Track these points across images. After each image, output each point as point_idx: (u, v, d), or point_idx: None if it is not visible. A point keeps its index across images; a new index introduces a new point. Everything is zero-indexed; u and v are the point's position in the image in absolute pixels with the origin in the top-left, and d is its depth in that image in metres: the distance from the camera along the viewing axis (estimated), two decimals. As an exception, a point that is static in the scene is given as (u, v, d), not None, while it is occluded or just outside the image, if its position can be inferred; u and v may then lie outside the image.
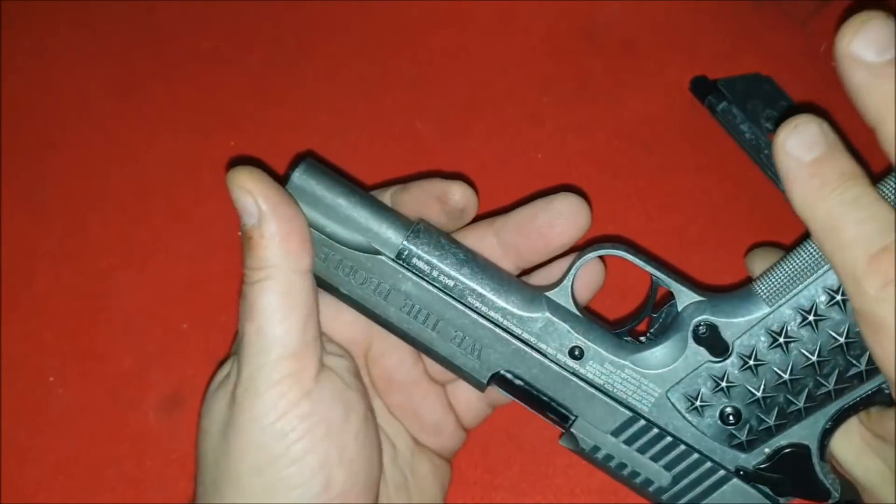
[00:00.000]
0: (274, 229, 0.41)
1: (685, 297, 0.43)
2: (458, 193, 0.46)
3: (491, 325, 0.43)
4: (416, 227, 0.44)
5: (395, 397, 0.50)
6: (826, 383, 0.40)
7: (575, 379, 0.42)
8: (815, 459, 0.41)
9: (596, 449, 0.43)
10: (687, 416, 0.42)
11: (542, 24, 0.72)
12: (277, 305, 0.41)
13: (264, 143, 0.68)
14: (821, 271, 0.39)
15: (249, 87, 0.70)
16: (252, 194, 0.41)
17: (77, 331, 0.62)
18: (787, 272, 0.40)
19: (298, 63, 0.71)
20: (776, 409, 0.41)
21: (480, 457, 0.58)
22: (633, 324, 0.44)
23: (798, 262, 0.40)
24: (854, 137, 0.65)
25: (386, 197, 0.48)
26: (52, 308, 0.63)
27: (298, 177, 0.44)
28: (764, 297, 0.41)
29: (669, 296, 0.43)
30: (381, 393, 0.50)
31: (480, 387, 0.45)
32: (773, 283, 0.41)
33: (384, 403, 0.50)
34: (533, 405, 0.44)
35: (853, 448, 0.44)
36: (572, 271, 0.45)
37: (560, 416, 0.43)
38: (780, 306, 0.40)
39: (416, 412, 0.50)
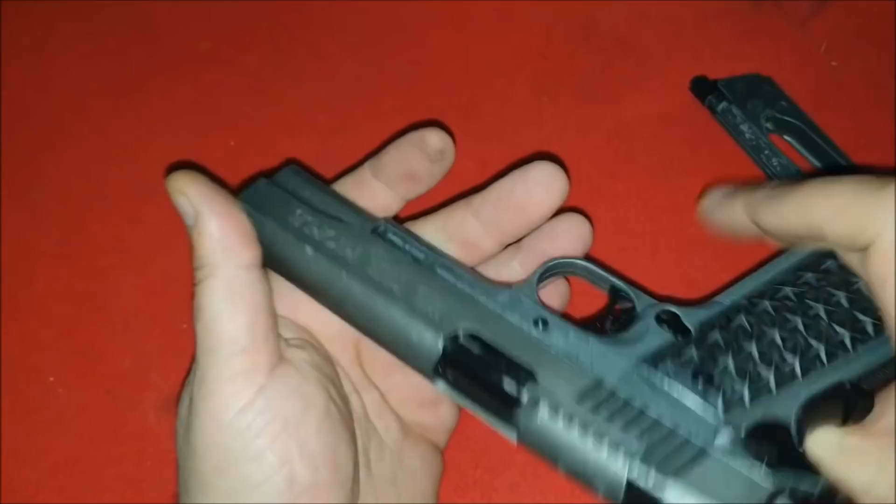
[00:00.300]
0: (210, 227, 0.42)
1: (644, 301, 0.43)
2: (434, 137, 0.47)
3: (456, 290, 0.43)
4: (379, 228, 0.45)
5: (396, 377, 0.49)
6: (790, 361, 0.40)
7: (539, 343, 0.41)
8: (794, 438, 0.39)
9: (554, 415, 0.40)
10: (654, 389, 0.40)
11: (542, 24, 0.72)
12: (222, 303, 0.41)
13: (263, 143, 0.68)
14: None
15: (248, 87, 0.70)
16: (187, 195, 0.42)
17: (77, 331, 0.62)
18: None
19: (297, 63, 0.71)
20: (747, 379, 0.40)
21: (480, 457, 0.58)
22: (596, 321, 0.44)
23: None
24: (853, 139, 0.65)
25: (365, 172, 0.49)
26: (52, 308, 0.63)
27: (253, 190, 0.46)
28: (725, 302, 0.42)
29: (631, 308, 0.44)
30: (379, 379, 0.49)
31: (433, 356, 0.42)
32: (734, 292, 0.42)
33: (381, 392, 0.50)
34: (487, 380, 0.41)
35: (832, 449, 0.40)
36: (538, 270, 0.45)
37: (516, 384, 0.41)
38: (739, 297, 0.42)
39: (416, 390, 0.49)
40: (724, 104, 0.65)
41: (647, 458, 0.38)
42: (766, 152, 0.63)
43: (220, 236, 0.42)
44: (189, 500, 0.43)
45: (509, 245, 0.50)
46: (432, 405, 0.51)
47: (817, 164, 0.63)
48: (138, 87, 0.70)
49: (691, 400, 0.40)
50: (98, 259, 0.64)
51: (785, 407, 0.40)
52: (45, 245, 0.65)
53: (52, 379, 0.61)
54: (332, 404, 0.45)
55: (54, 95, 0.70)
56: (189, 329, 0.64)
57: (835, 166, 0.63)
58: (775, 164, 0.63)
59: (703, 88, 0.66)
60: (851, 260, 0.42)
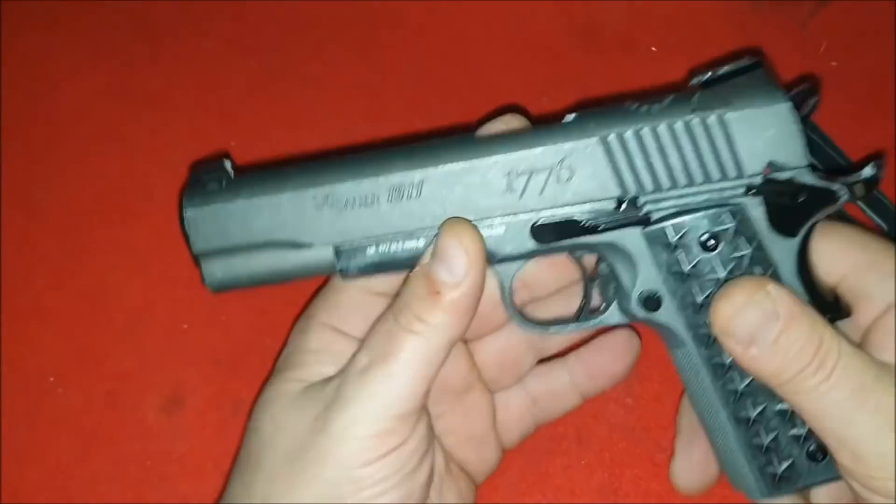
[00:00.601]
0: (463, 302, 0.41)
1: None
2: None
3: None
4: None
5: (442, 406, 0.49)
6: None
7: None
8: None
9: None
10: None
11: (542, 24, 0.72)
12: (419, 366, 0.42)
13: (264, 143, 0.68)
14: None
15: (249, 87, 0.70)
16: (468, 259, 0.41)
17: (77, 331, 0.62)
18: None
19: (298, 63, 0.71)
20: None
21: (480, 457, 0.58)
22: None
23: None
24: (853, 139, 0.65)
25: None
26: (52, 308, 0.63)
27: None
28: None
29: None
30: (429, 405, 0.48)
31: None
32: None
33: (431, 416, 0.49)
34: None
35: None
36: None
37: None
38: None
39: (463, 422, 0.50)
40: (724, 104, 0.65)
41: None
42: (766, 152, 0.63)
43: (463, 314, 0.42)
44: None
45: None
46: (479, 442, 0.51)
47: (817, 163, 0.63)
48: (138, 87, 0.70)
49: None
50: (98, 259, 0.64)
51: None
52: (45, 245, 0.65)
53: (52, 379, 0.61)
54: (431, 466, 0.46)
55: (56, 96, 0.70)
56: (189, 329, 0.64)
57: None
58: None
59: (703, 88, 0.66)
60: None
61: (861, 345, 0.43)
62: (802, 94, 0.42)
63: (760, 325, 0.40)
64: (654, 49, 0.70)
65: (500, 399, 0.52)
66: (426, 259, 0.43)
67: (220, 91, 0.70)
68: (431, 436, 0.46)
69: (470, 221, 0.42)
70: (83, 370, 0.61)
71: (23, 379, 0.61)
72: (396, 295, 0.44)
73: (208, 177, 0.45)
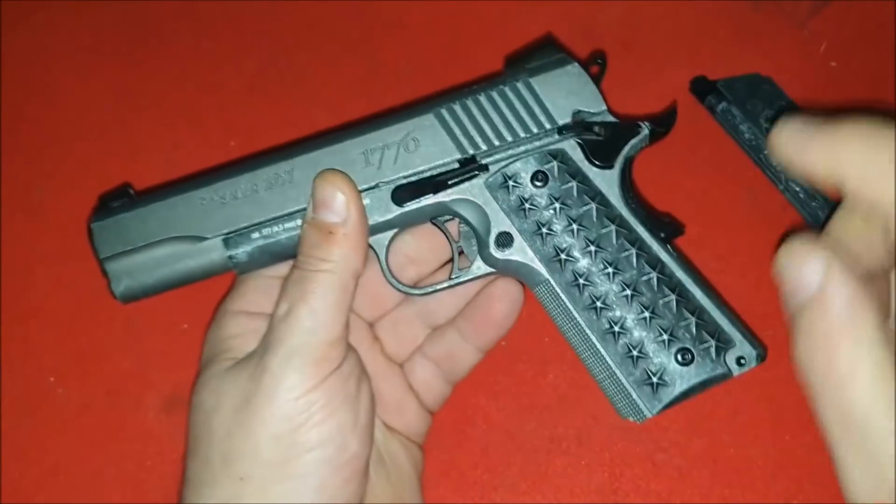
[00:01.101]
0: (354, 234, 0.47)
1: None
2: None
3: None
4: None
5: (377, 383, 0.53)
6: None
7: None
8: None
9: None
10: None
11: (542, 25, 0.72)
12: (333, 297, 0.46)
13: (264, 143, 0.68)
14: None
15: (249, 87, 0.70)
16: (345, 196, 0.47)
17: (77, 331, 0.62)
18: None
19: (298, 63, 0.71)
20: None
21: (480, 457, 0.58)
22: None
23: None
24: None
25: None
26: (52, 308, 0.63)
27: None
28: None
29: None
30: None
31: None
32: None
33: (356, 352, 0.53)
34: None
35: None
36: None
37: None
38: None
39: (378, 392, 0.52)
40: (723, 104, 0.65)
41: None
42: (766, 152, 0.63)
43: (357, 245, 0.47)
44: (232, 471, 0.45)
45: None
46: (397, 410, 0.55)
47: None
48: (138, 87, 0.70)
49: None
50: (98, 259, 0.64)
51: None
52: (45, 245, 0.65)
53: (52, 379, 0.61)
54: (371, 389, 0.50)
55: (56, 96, 0.70)
56: (189, 329, 0.64)
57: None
58: (775, 164, 0.63)
59: (702, 88, 0.66)
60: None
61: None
62: (593, 64, 0.52)
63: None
64: (653, 49, 0.70)
65: (409, 368, 0.56)
66: (310, 214, 0.48)
67: (220, 91, 0.70)
68: (362, 365, 0.50)
69: (335, 169, 0.49)
70: (83, 370, 0.61)
71: (23, 379, 0.61)
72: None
73: (112, 199, 0.52)
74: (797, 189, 0.62)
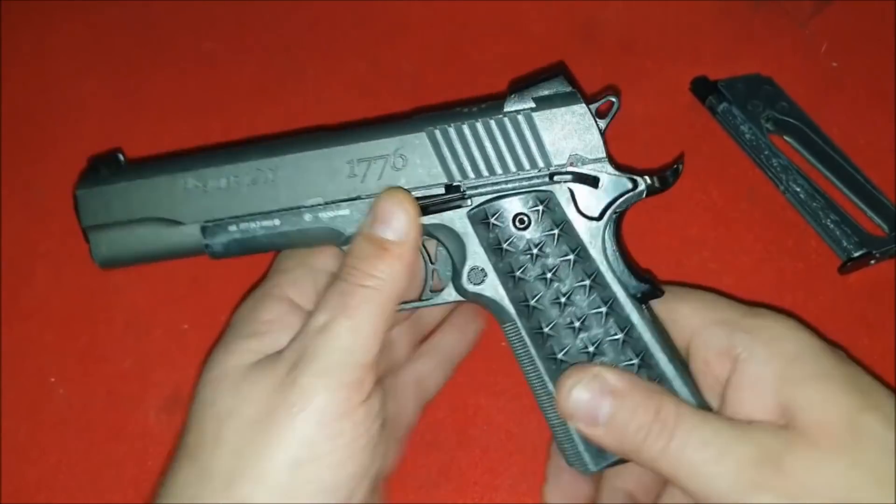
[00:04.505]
0: (407, 257, 0.46)
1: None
2: None
3: None
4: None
5: None
6: None
7: None
8: None
9: None
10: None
11: (543, 25, 0.72)
12: (376, 316, 0.44)
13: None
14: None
15: (249, 87, 0.70)
16: (408, 218, 0.46)
17: (77, 331, 0.62)
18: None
19: (298, 62, 0.71)
20: None
21: (480, 457, 0.58)
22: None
23: None
24: (853, 139, 0.65)
25: None
26: (53, 308, 0.63)
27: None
28: None
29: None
30: None
31: None
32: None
33: None
34: None
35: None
36: None
37: None
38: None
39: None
40: (724, 105, 0.65)
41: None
42: (766, 152, 0.63)
43: (408, 268, 0.46)
44: (235, 492, 0.41)
45: None
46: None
47: (817, 164, 0.63)
48: (139, 87, 0.70)
49: None
50: (98, 259, 0.64)
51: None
52: (45, 245, 0.65)
53: (53, 379, 0.61)
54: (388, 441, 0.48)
55: (56, 96, 0.70)
56: (189, 329, 0.64)
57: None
58: (775, 164, 0.63)
59: (703, 89, 0.66)
60: None
61: (722, 404, 0.45)
62: (604, 101, 0.49)
63: (595, 404, 0.44)
64: (653, 49, 0.70)
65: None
66: (366, 226, 0.46)
67: (220, 91, 0.70)
68: (386, 407, 0.47)
69: (402, 188, 0.48)
70: (83, 370, 0.61)
71: (23, 379, 0.61)
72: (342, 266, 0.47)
73: (101, 164, 0.52)
74: (797, 189, 0.62)
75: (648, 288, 0.47)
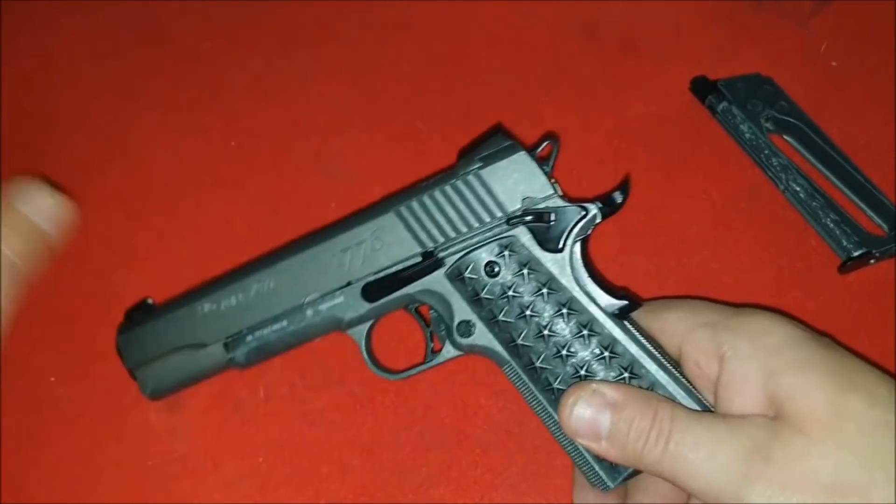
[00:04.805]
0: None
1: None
2: None
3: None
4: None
5: None
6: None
7: None
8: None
9: None
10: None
11: (543, 25, 0.72)
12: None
13: (264, 143, 0.68)
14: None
15: (248, 87, 0.70)
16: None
17: (77, 331, 0.62)
18: None
19: (298, 63, 0.71)
20: None
21: (480, 457, 0.58)
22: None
23: None
24: (853, 139, 0.65)
25: None
26: (53, 308, 0.63)
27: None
28: None
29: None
30: None
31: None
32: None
33: None
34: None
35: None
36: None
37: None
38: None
39: None
40: (724, 104, 0.65)
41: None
42: (766, 152, 0.63)
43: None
44: None
45: None
46: None
47: (817, 163, 0.63)
48: (139, 86, 0.70)
49: None
50: (99, 259, 0.64)
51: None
52: (45, 245, 0.65)
53: (53, 379, 0.61)
54: None
55: (56, 96, 0.70)
56: (189, 329, 0.64)
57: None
58: (775, 164, 0.63)
59: (703, 88, 0.66)
60: None
61: (716, 403, 0.46)
62: (545, 145, 0.53)
63: (596, 418, 0.45)
64: (653, 49, 0.70)
65: None
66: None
67: (221, 91, 0.70)
68: None
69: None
70: (83, 370, 0.61)
71: (23, 379, 0.61)
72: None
73: (133, 312, 0.59)
74: (797, 188, 0.62)
75: (625, 304, 0.49)
